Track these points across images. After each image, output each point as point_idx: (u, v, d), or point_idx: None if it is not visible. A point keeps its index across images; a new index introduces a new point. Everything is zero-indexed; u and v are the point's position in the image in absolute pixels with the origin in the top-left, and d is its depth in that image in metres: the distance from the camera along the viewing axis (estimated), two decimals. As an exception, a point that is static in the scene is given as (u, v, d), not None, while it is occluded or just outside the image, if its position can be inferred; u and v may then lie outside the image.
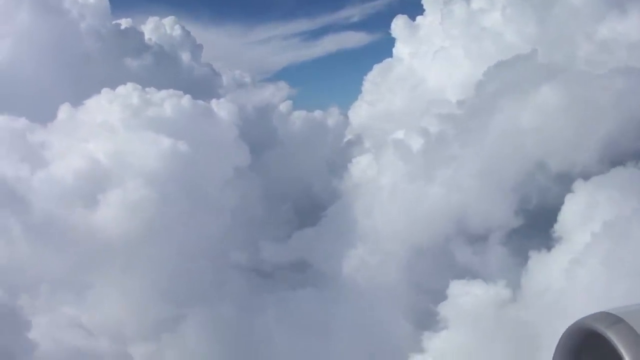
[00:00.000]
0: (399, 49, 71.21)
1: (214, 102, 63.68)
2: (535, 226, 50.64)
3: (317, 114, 79.77)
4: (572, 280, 35.85)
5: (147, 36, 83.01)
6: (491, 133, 51.74)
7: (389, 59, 72.30)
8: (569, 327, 2.55)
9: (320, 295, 59.08)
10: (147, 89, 64.13)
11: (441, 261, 57.36)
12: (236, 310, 57.20)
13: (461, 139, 53.15)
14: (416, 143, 55.94)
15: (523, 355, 45.36)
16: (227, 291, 59.73)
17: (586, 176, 43.82)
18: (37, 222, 53.93)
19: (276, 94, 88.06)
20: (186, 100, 59.55)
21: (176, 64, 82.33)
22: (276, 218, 68.22)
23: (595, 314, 2.49)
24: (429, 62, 64.82)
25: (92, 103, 65.87)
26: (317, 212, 66.94)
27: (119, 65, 78.75)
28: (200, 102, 60.37)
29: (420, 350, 52.10)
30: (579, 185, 42.48)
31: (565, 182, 46.92)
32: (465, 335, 48.25)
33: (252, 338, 56.36)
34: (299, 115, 77.07)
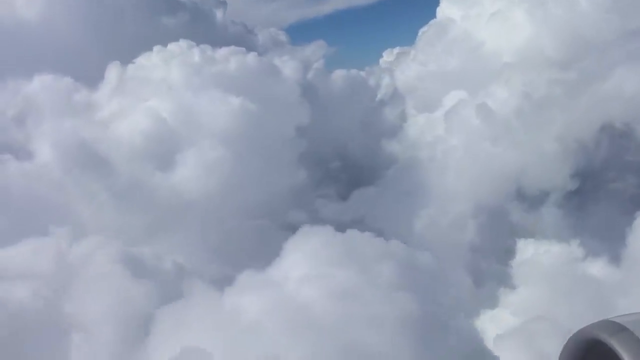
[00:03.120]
0: (445, 10, 71.29)
1: (277, 60, 63.15)
2: (619, 190, 52.48)
3: (353, 72, 79.73)
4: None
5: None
6: (585, 98, 52.98)
7: (434, 20, 72.61)
8: (572, 335, 2.59)
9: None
10: (201, 46, 63.30)
11: (505, 220, 58.95)
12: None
13: (541, 103, 54.26)
14: (492, 104, 56.73)
15: (600, 311, 47.49)
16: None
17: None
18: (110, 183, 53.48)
19: (316, 52, 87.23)
20: (251, 57, 58.90)
21: (210, 20, 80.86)
22: (328, 178, 68.63)
23: (599, 322, 2.53)
24: (483, 24, 65.26)
25: (143, 61, 64.68)
26: (371, 172, 67.63)
27: (153, 22, 77.00)
28: (265, 59, 59.78)
29: (493, 306, 53.85)
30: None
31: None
32: (543, 292, 49.95)
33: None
34: (340, 74, 76.96)
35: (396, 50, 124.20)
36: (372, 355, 26.18)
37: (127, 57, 67.64)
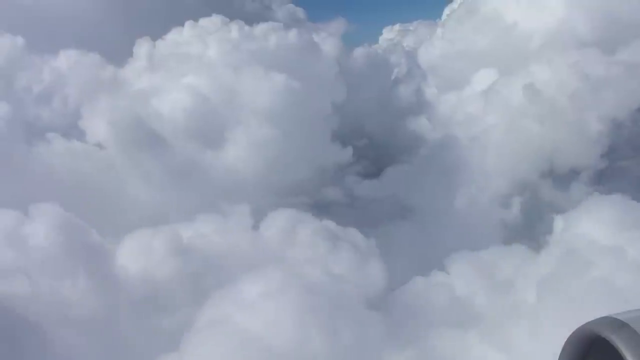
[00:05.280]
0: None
1: (315, 36, 62.78)
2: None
3: (373, 49, 79.58)
4: None
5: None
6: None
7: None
8: (573, 332, 2.61)
9: (418, 229, 60.82)
10: (236, 21, 62.40)
11: (541, 198, 60.37)
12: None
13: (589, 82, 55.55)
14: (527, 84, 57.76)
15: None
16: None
17: None
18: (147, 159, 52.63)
19: (337, 30, 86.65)
20: (292, 34, 58.46)
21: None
22: (356, 155, 68.63)
23: (599, 319, 2.53)
24: (511, 3, 65.89)
25: (174, 37, 63.42)
26: (399, 149, 68.17)
27: None
28: (305, 35, 59.34)
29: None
30: None
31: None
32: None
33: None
34: (361, 51, 76.73)
35: (397, 27, 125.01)
36: None
37: (146, 32, 66.29)
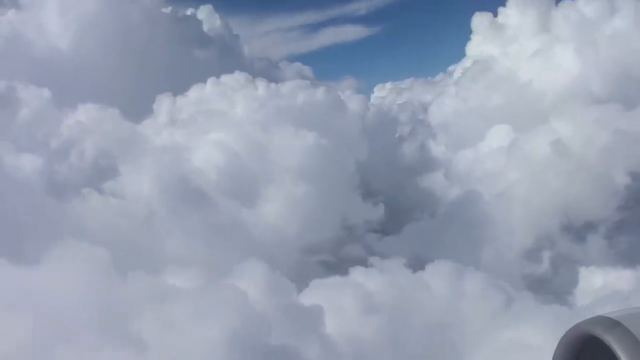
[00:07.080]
0: (478, 47, 73.79)
1: (341, 94, 63.83)
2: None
3: (380, 106, 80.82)
4: None
5: (205, 26, 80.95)
6: None
7: (466, 57, 75.32)
8: (567, 331, 2.61)
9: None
10: (259, 79, 63.15)
11: (562, 251, 60.80)
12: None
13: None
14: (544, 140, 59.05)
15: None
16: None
17: None
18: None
19: (348, 88, 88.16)
20: (320, 91, 59.31)
21: (237, 55, 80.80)
22: (376, 213, 68.56)
23: (593, 318, 2.54)
24: (522, 62, 67.90)
25: (196, 93, 63.78)
26: (414, 206, 68.44)
27: (183, 57, 76.20)
28: (333, 93, 60.34)
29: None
30: None
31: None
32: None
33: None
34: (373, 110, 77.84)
35: (388, 85, 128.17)
36: None
37: (159, 89, 66.35)
